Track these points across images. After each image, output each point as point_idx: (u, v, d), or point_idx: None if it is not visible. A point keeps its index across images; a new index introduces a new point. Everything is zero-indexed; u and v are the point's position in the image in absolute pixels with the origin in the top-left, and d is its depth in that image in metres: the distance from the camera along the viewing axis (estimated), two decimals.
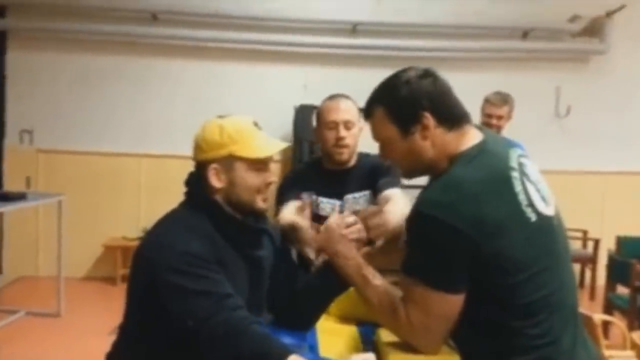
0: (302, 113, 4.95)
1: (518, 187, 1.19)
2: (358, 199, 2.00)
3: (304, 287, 1.55)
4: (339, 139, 1.95)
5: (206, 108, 5.11)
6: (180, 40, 5.22)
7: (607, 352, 2.62)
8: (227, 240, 1.37)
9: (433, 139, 1.24)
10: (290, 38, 5.24)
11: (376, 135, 1.32)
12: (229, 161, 1.38)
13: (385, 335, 1.40)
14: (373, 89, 1.34)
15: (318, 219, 1.84)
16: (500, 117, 3.21)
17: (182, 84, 5.38)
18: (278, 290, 1.53)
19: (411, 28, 5.31)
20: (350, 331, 1.61)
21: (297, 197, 1.94)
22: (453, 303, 1.17)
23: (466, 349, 1.27)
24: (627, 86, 5.56)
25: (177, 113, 5.33)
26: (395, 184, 1.94)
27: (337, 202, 1.99)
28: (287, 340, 1.29)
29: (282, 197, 1.98)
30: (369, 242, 1.57)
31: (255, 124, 1.43)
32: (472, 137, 1.26)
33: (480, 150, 1.23)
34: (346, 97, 2.02)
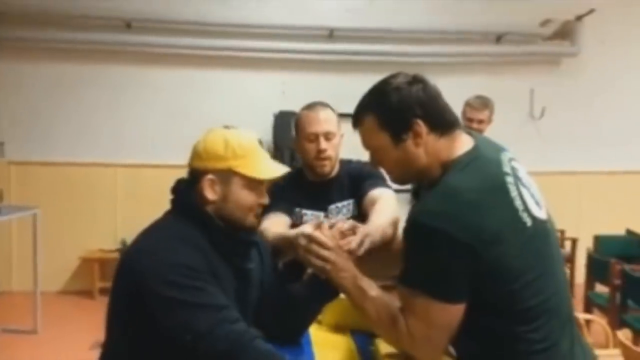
0: (282, 119, 4.92)
1: (514, 193, 1.19)
2: (341, 208, 1.96)
3: (293, 298, 1.52)
4: (320, 151, 1.88)
5: (183, 116, 5.02)
6: (157, 47, 5.14)
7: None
8: (218, 251, 1.34)
9: (425, 146, 1.23)
10: (267, 44, 5.22)
11: (367, 144, 1.30)
12: (226, 175, 1.35)
13: (384, 347, 1.39)
14: (361, 97, 1.31)
15: None
16: (481, 121, 3.25)
17: (158, 92, 5.28)
18: (265, 304, 1.50)
19: (386, 33, 5.34)
20: (346, 342, 1.60)
21: (279, 210, 1.86)
22: (454, 313, 1.16)
23: (467, 357, 1.27)
24: (597, 86, 5.69)
25: (153, 121, 5.25)
26: (380, 184, 1.90)
27: (321, 214, 1.93)
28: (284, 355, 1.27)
29: (264, 210, 1.92)
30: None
31: (260, 142, 1.40)
32: (463, 143, 1.26)
33: (473, 156, 1.23)
34: (325, 105, 1.95)
